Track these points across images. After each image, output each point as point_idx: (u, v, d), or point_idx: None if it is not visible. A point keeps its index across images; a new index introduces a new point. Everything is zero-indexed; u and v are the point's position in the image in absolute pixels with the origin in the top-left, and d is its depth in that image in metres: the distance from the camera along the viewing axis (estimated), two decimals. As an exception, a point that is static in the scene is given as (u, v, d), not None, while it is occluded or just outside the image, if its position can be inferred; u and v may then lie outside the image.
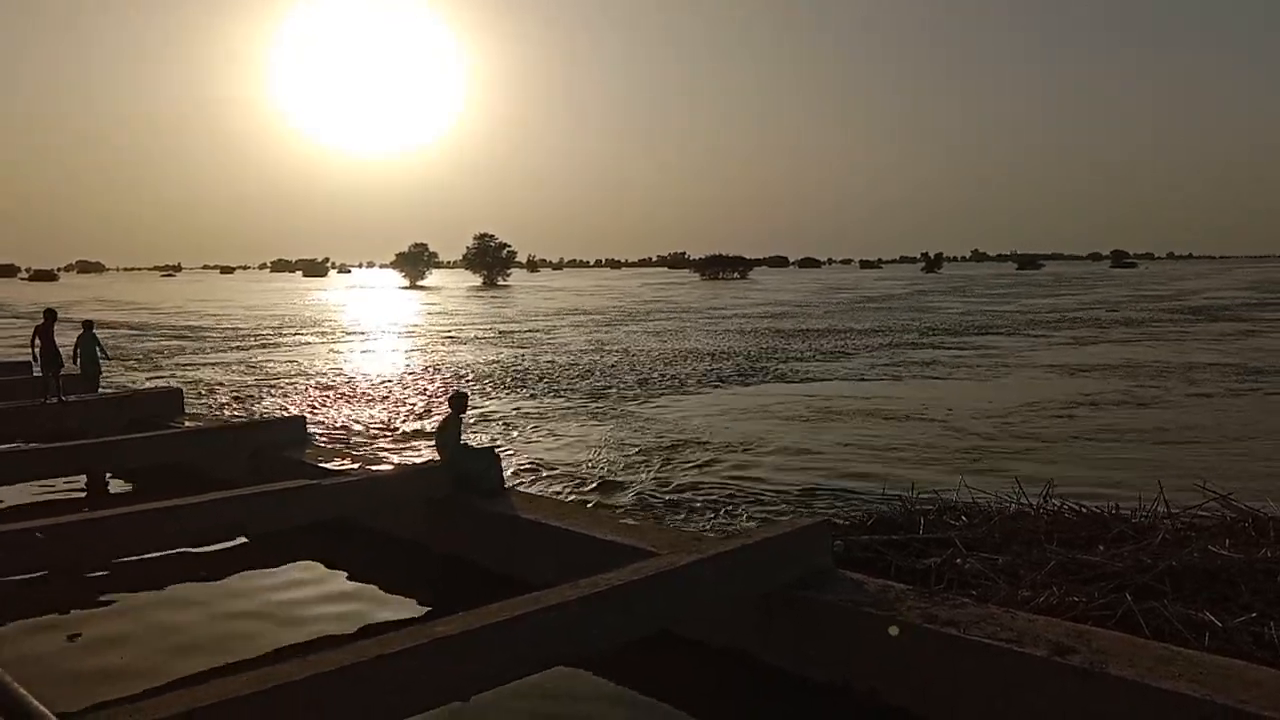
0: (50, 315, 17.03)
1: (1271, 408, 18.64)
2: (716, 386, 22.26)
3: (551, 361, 27.99)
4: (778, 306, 63.07)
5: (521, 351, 31.75)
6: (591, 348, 32.80)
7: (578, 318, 53.38)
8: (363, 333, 43.22)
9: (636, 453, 14.86)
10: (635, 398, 20.60)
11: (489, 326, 46.14)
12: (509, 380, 23.88)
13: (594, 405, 19.63)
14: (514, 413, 18.88)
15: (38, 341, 16.75)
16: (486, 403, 20.26)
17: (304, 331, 44.98)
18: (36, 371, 17.75)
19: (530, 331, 41.64)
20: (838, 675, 6.96)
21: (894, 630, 6.55)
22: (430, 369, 26.95)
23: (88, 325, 19.19)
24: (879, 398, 20.29)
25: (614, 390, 21.75)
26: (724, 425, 16.96)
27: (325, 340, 39.07)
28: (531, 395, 21.31)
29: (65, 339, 17.56)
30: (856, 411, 18.44)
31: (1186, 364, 25.95)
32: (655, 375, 24.40)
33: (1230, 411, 18.26)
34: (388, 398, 21.29)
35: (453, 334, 41.02)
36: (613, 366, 26.57)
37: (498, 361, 28.54)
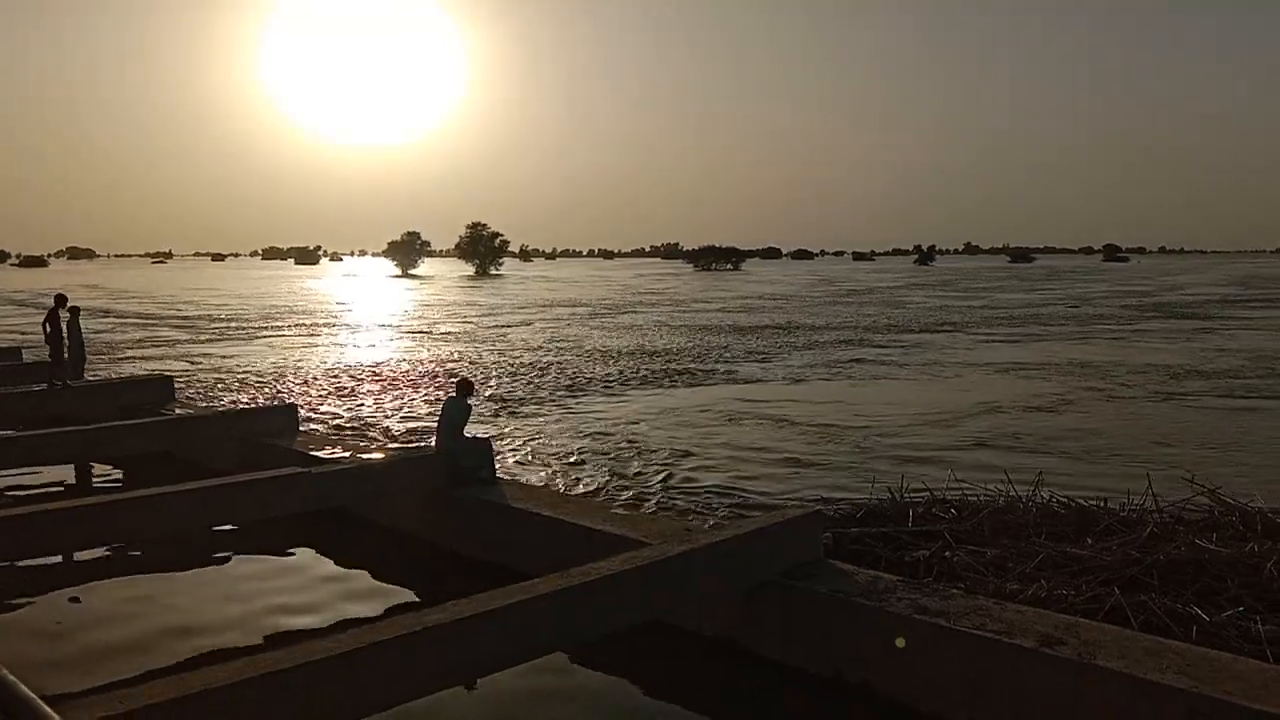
0: (60, 301, 17.44)
1: (1183, 415, 17.83)
2: (645, 388, 21.48)
3: (493, 360, 27.04)
4: (757, 300, 62.74)
5: (470, 348, 31.08)
6: (542, 345, 31.99)
7: (558, 310, 52.55)
8: (335, 326, 42.38)
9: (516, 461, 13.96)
10: (552, 400, 19.76)
11: (462, 320, 45.49)
12: (435, 377, 23.29)
13: (506, 407, 18.88)
14: (403, 411, 18.36)
15: (48, 327, 17.23)
16: (394, 401, 19.81)
17: (277, 322, 44.54)
18: (33, 357, 17.87)
19: (498, 326, 40.62)
20: (828, 665, 6.99)
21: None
22: (362, 366, 26.22)
23: (74, 311, 19.10)
24: (793, 402, 19.47)
25: (530, 392, 20.82)
26: (625, 431, 16.24)
27: (295, 332, 38.59)
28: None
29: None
30: (763, 416, 17.67)
31: (1123, 365, 25.39)
32: (586, 376, 23.63)
33: (1140, 418, 17.56)
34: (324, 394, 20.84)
35: (415, 329, 40.19)
36: (550, 365, 25.88)
37: (434, 358, 27.86)
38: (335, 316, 48.77)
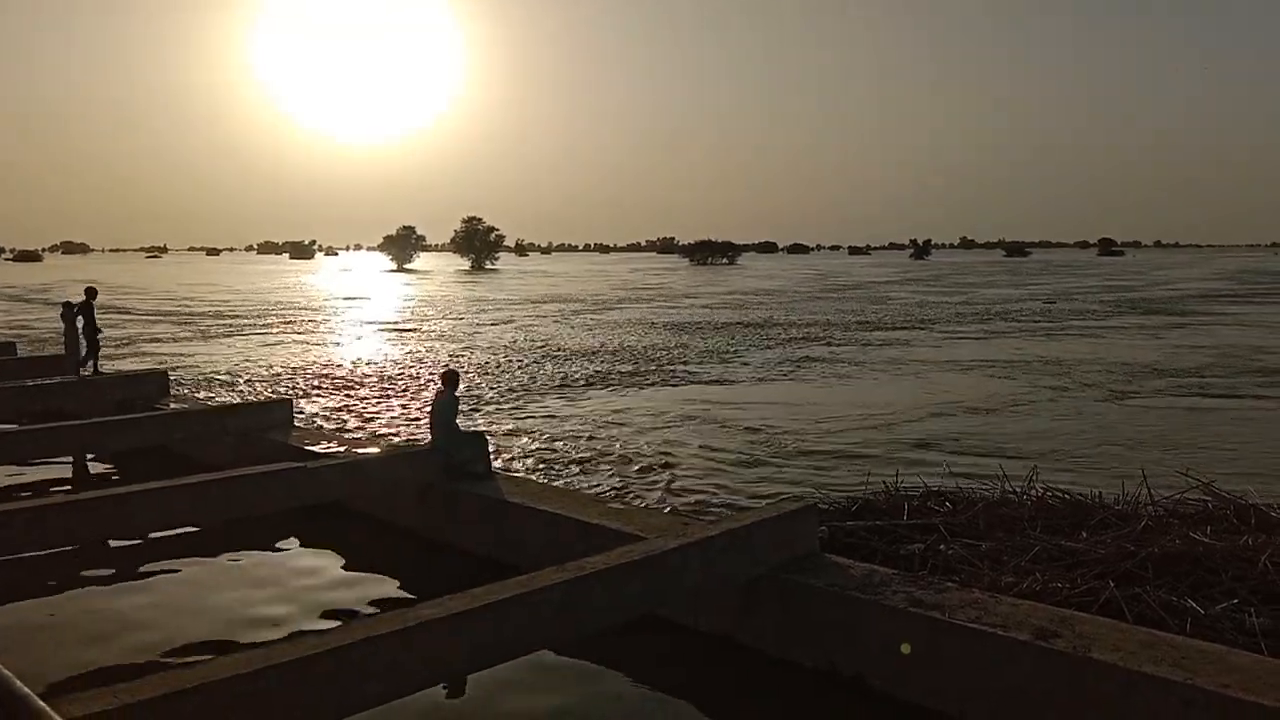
0: (91, 294, 18.08)
1: (1131, 416, 17.50)
2: (585, 390, 20.98)
3: (445, 361, 26.49)
4: (743, 296, 62.57)
5: (432, 345, 30.69)
6: (505, 344, 31.41)
7: (546, 306, 51.63)
8: (331, 321, 42.08)
9: None
10: (494, 401, 19.36)
11: (445, 317, 44.98)
12: (375, 378, 23.05)
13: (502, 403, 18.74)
14: (403, 410, 18.21)
15: (81, 319, 17.83)
16: (395, 402, 19.52)
17: (272, 318, 44.30)
18: (28, 352, 17.92)
19: (480, 325, 39.70)
20: (823, 659, 7.00)
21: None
22: (358, 363, 26.09)
23: (68, 306, 19.10)
24: (736, 404, 19.10)
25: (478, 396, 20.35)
26: (537, 436, 15.84)
27: (290, 328, 38.34)
28: (385, 395, 20.23)
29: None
30: (719, 419, 17.26)
31: (1084, 362, 25.11)
32: (540, 376, 23.24)
33: (1085, 416, 17.37)
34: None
35: (397, 326, 39.72)
36: (500, 365, 25.50)
37: (383, 360, 27.36)
38: (332, 312, 48.61)
